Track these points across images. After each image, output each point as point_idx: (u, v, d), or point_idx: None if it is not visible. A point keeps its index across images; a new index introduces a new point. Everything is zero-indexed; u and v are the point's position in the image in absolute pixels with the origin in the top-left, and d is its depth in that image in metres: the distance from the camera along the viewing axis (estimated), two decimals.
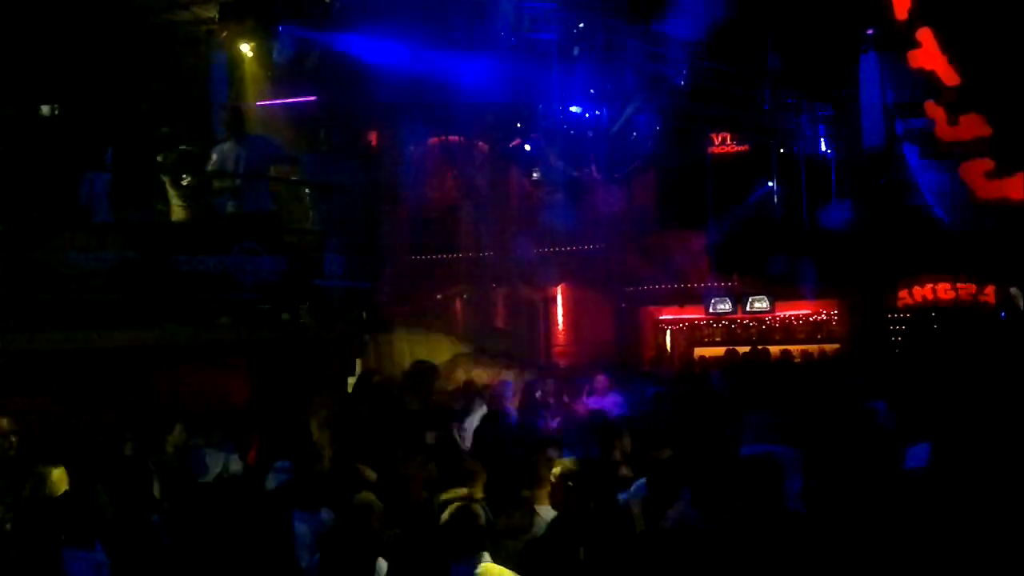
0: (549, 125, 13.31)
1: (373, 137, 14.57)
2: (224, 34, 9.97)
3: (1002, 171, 11.22)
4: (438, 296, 16.02)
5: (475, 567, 3.66)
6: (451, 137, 15.27)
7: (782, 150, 15.98)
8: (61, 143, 8.03)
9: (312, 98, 11.66)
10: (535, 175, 14.83)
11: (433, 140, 15.36)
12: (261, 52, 10.46)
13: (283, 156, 9.46)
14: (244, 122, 9.23)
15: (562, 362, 17.02)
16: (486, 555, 3.72)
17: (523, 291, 16.97)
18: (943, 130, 11.83)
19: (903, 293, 14.92)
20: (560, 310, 18.04)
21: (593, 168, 13.46)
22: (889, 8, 12.23)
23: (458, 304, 16.30)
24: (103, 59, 9.28)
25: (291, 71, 10.63)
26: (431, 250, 15.15)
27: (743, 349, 16.61)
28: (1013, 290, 11.75)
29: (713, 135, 17.32)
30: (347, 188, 9.77)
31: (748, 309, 16.96)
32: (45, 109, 8.24)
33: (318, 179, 9.76)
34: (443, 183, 15.42)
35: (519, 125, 14.80)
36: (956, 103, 11.64)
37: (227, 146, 8.81)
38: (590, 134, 13.08)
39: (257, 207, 8.76)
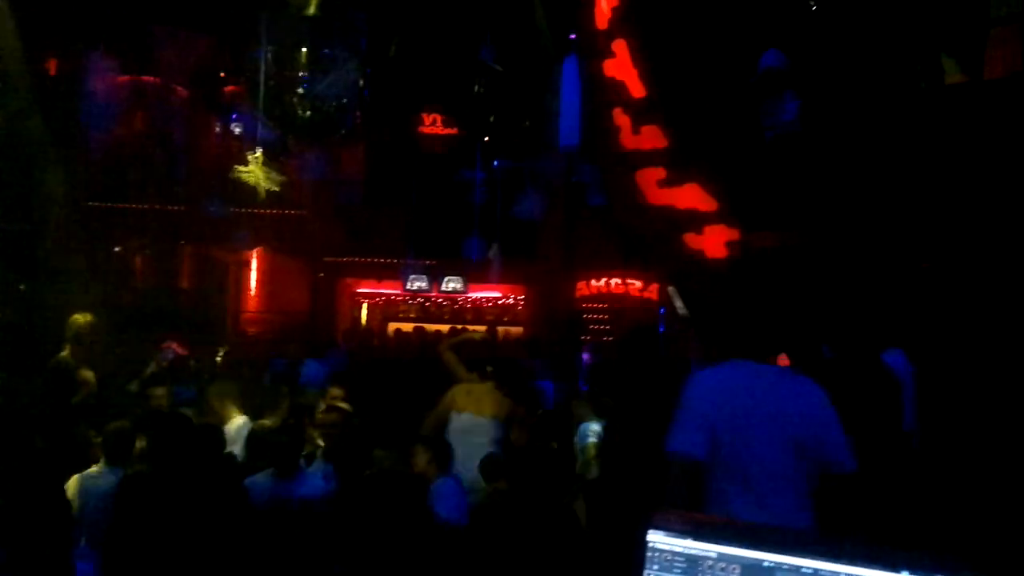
0: (254, 79, 12.69)
1: (51, 63, 13.05)
2: None
3: (672, 181, 12.34)
4: (116, 249, 14.72)
5: None
6: (145, 77, 14.06)
7: (487, 138, 16.56)
8: None
9: None
10: (237, 130, 14.07)
11: (123, 78, 14.04)
12: None
13: None
14: None
15: (251, 330, 16.40)
16: None
17: (214, 251, 16.08)
18: (627, 138, 12.77)
19: (581, 284, 16.17)
20: (254, 275, 17.35)
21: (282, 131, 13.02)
22: (591, 18, 12.98)
23: (138, 260, 15.10)
24: None
25: None
26: (111, 197, 13.84)
27: (437, 327, 17.05)
28: (671, 289, 13.08)
29: (424, 115, 17.52)
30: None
31: (443, 288, 17.43)
32: None
33: None
34: (131, 125, 14.15)
35: (223, 75, 14.00)
36: (640, 114, 12.60)
37: None
38: (299, 93, 12.66)
39: None
